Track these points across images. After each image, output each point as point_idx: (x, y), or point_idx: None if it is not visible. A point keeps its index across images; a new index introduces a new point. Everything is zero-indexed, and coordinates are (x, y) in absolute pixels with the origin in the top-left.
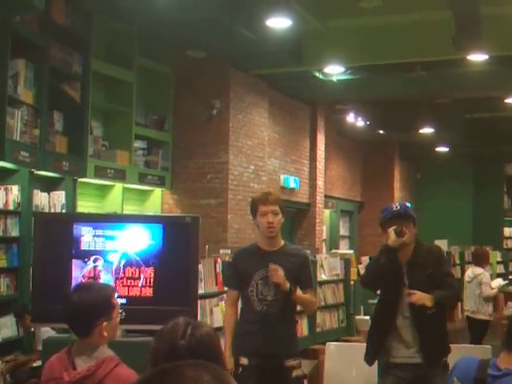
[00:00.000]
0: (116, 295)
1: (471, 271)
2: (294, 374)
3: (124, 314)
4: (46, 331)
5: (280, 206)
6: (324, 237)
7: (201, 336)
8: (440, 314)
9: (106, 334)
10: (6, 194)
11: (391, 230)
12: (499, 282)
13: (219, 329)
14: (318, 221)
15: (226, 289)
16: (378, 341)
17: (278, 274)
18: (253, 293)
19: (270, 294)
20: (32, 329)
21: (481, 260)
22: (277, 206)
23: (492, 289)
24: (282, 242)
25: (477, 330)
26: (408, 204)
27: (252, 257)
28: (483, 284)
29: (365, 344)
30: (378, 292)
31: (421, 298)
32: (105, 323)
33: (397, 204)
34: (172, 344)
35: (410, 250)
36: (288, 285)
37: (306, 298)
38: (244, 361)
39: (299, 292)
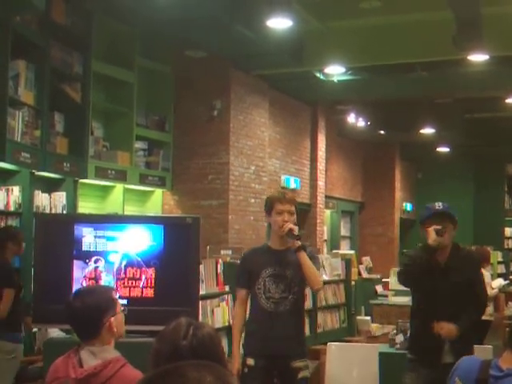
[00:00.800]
0: (115, 294)
1: None
2: (301, 375)
3: (126, 311)
4: (54, 332)
5: (295, 206)
6: (325, 237)
7: (203, 336)
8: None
9: (115, 329)
10: (7, 195)
11: (432, 229)
12: (500, 282)
13: (220, 329)
14: (318, 221)
15: (226, 289)
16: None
17: (288, 224)
18: (260, 290)
19: (277, 292)
20: (34, 329)
21: (483, 260)
22: (293, 206)
23: (492, 289)
24: None
25: (477, 330)
26: (448, 205)
27: (261, 255)
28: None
29: (367, 344)
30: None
31: (448, 332)
32: (112, 318)
33: (439, 203)
34: (174, 344)
35: (448, 251)
36: (297, 230)
37: (311, 263)
38: (250, 361)
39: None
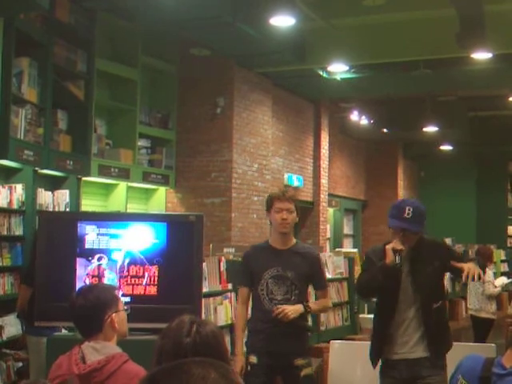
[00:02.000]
0: (118, 292)
1: None
2: (303, 372)
3: (129, 310)
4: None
5: (295, 204)
6: (328, 235)
7: (206, 334)
8: (442, 308)
9: (117, 326)
10: (10, 192)
11: (389, 249)
12: (503, 280)
13: (223, 327)
14: (321, 219)
15: (229, 286)
16: (381, 338)
17: (286, 313)
18: (263, 291)
19: (280, 293)
20: None
21: (485, 258)
22: (292, 204)
23: (495, 287)
24: (294, 241)
25: (480, 329)
26: (419, 208)
27: (263, 254)
28: (486, 282)
29: (369, 342)
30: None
31: (471, 270)
32: (114, 315)
33: (408, 209)
34: (177, 342)
35: (409, 248)
36: (300, 309)
37: (320, 306)
38: (253, 359)
39: (312, 302)
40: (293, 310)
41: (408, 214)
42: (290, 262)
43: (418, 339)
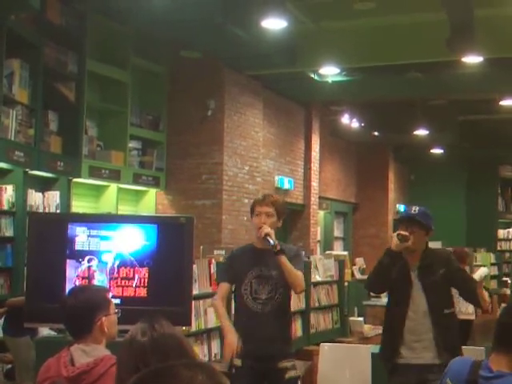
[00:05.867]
0: (110, 295)
1: None
2: (288, 375)
3: (119, 314)
4: (44, 331)
5: (276, 208)
6: (318, 238)
7: (162, 327)
8: (453, 315)
9: (106, 329)
10: (1, 193)
11: (395, 235)
12: (482, 271)
13: (213, 330)
14: (312, 222)
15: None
16: (392, 341)
17: (264, 228)
18: (246, 291)
19: (264, 293)
20: None
21: (459, 260)
22: (271, 208)
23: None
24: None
25: (460, 331)
26: (426, 210)
27: (246, 255)
28: None
29: (360, 345)
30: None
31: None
32: (104, 318)
33: (416, 208)
34: (134, 345)
35: (418, 255)
36: (274, 240)
37: (292, 267)
38: (238, 362)
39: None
40: (269, 229)
41: (415, 210)
42: (274, 262)
43: (428, 344)
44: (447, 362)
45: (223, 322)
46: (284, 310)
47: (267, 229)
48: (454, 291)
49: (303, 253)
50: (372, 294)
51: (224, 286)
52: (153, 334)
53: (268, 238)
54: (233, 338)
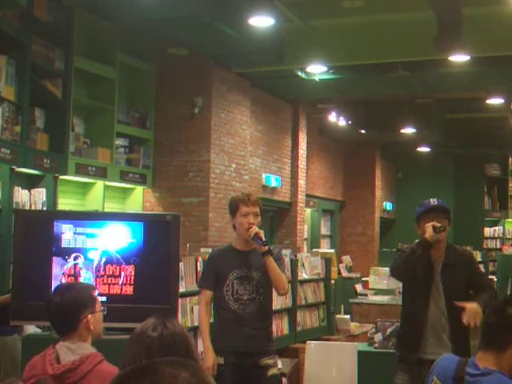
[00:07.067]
0: (96, 292)
1: None
2: (270, 372)
3: (105, 311)
4: (31, 328)
5: (260, 207)
6: (305, 236)
7: (173, 327)
8: None
9: (92, 327)
10: None
11: (429, 225)
12: None
13: (198, 327)
14: (299, 220)
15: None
16: (415, 334)
17: (254, 228)
18: (228, 292)
19: (245, 294)
20: None
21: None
22: (257, 207)
23: None
24: None
25: None
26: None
27: (227, 257)
28: None
29: (346, 343)
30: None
31: (472, 315)
32: (89, 316)
33: (434, 199)
34: (144, 339)
35: (443, 248)
36: (264, 242)
37: (278, 268)
38: (220, 360)
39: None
40: (258, 230)
41: (434, 202)
42: (255, 263)
43: (443, 342)
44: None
45: (205, 342)
46: (265, 309)
47: (257, 229)
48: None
49: (287, 251)
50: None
51: (207, 293)
52: (163, 330)
53: (258, 236)
54: (210, 362)
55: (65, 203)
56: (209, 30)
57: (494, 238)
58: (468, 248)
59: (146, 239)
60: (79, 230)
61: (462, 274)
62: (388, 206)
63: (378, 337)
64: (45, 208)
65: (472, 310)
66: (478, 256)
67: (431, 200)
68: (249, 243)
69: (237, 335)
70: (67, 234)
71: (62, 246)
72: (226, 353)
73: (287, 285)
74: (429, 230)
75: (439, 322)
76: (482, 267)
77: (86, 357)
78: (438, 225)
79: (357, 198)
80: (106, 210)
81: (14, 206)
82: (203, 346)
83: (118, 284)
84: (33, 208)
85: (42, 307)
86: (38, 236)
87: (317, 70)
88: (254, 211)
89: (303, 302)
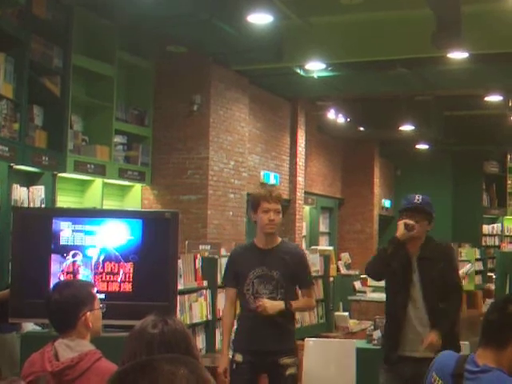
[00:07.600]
0: (95, 290)
1: None
2: (288, 371)
3: (104, 309)
4: (29, 326)
5: (282, 204)
6: (304, 233)
7: (174, 323)
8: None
9: (91, 324)
10: None
11: (401, 223)
12: (465, 269)
13: (197, 324)
14: (297, 217)
15: (204, 284)
16: (395, 331)
17: (266, 307)
18: (249, 291)
19: (265, 293)
20: None
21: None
22: (279, 204)
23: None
24: (279, 240)
25: None
26: (428, 200)
27: (248, 255)
28: None
29: (345, 340)
30: (383, 284)
31: (432, 344)
32: (88, 313)
33: (419, 197)
34: (144, 335)
35: (419, 243)
36: (281, 305)
37: (303, 305)
38: (239, 357)
39: (294, 301)
40: (272, 305)
41: (418, 199)
42: (276, 262)
43: (421, 337)
44: None
45: (223, 346)
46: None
47: (270, 310)
48: None
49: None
50: (371, 281)
51: (231, 292)
52: (164, 327)
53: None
54: (221, 368)
55: (63, 201)
56: (207, 28)
57: (492, 235)
58: (451, 245)
59: (145, 236)
60: (78, 227)
61: (437, 266)
62: (387, 203)
63: (377, 334)
64: (43, 205)
65: (433, 339)
66: (477, 253)
67: (416, 196)
68: (270, 241)
69: (257, 334)
70: (66, 231)
71: (61, 243)
72: (245, 350)
73: (314, 303)
74: (400, 227)
75: (417, 317)
76: (480, 264)
77: (84, 354)
78: (411, 222)
79: (355, 196)
80: (104, 207)
81: (12, 203)
82: (222, 348)
83: (116, 281)
84: (31, 205)
85: (40, 305)
86: (36, 233)
87: (315, 68)
88: (275, 208)
89: None
